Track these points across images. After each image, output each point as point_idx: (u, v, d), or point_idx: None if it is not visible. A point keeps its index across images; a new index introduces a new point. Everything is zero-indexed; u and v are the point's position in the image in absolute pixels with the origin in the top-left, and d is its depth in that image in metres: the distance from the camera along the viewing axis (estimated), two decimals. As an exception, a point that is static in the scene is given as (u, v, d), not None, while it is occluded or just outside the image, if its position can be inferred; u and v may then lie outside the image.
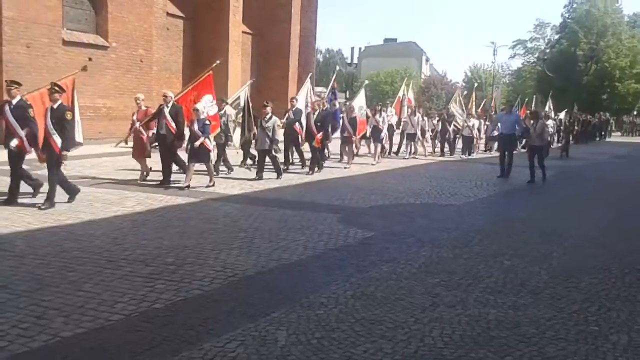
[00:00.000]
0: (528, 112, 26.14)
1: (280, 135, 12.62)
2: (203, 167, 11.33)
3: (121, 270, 5.71)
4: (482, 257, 6.76)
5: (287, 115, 14.46)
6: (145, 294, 5.02)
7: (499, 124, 15.48)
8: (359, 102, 17.03)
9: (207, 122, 10.84)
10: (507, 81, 69.89)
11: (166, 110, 10.89)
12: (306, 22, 33.10)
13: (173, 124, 10.83)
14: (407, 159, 18.77)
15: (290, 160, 14.78)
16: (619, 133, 45.28)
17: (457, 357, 4.02)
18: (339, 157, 17.04)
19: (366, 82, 20.86)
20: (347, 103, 16.70)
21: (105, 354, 3.87)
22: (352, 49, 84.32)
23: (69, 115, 8.70)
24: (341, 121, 15.73)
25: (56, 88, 8.73)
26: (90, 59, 19.26)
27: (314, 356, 3.93)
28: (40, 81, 17.32)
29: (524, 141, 17.61)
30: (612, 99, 50.16)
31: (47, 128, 8.61)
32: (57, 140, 8.53)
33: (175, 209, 8.98)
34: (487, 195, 11.62)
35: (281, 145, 13.72)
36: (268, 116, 12.25)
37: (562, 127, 27.51)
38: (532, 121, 14.73)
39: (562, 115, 30.11)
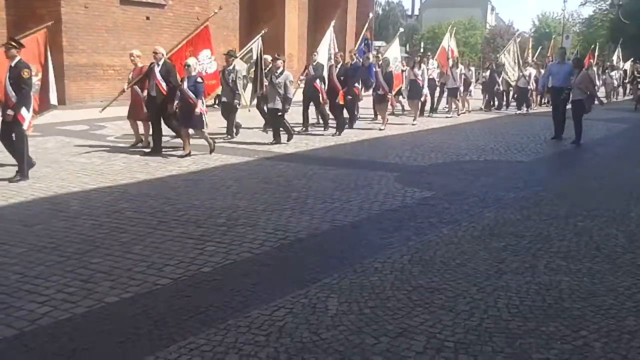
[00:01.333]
0: (592, 60, 24.39)
1: (293, 92, 11.29)
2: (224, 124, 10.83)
3: (172, 231, 5.58)
4: (552, 218, 6.26)
5: (306, 71, 13.33)
6: (195, 257, 4.87)
7: (550, 76, 13.01)
8: (394, 53, 15.25)
9: (200, 80, 9.39)
10: (578, 30, 66.12)
11: (157, 69, 9.57)
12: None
13: (164, 85, 9.52)
14: (450, 117, 16.89)
15: (309, 121, 13.40)
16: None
17: (526, 330, 3.65)
18: (372, 115, 15.60)
19: (401, 30, 17.84)
20: (380, 55, 14.92)
21: (149, 320, 3.71)
22: (413, 0, 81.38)
23: (25, 74, 7.46)
24: (375, 76, 13.80)
25: (12, 43, 7.62)
26: (147, 18, 19.26)
27: (367, 327, 3.65)
28: (100, 41, 17.60)
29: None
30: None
31: (6, 90, 7.54)
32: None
33: (229, 168, 8.83)
34: (558, 151, 10.92)
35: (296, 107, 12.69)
36: (279, 70, 10.93)
37: (626, 79, 25.92)
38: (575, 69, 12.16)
39: (627, 65, 28.04)
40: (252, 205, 6.59)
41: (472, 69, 18.65)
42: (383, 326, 3.67)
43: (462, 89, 17.29)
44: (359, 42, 15.47)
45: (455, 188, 7.77)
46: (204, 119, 9.51)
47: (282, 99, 10.79)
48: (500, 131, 13.83)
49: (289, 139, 11.19)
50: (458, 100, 17.38)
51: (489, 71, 19.79)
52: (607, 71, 24.27)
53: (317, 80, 12.68)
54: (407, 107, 17.03)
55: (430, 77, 16.94)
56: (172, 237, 5.41)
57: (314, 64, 12.94)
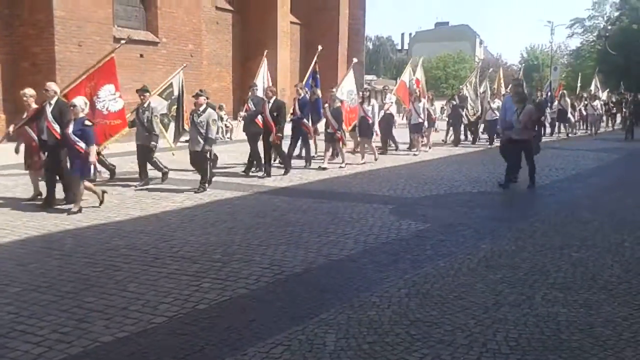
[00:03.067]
0: (564, 90, 24.14)
1: (214, 132, 9.73)
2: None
3: (167, 268, 5.55)
4: (547, 249, 6.28)
5: (245, 106, 12.16)
6: (190, 294, 4.83)
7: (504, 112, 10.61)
8: (348, 85, 13.93)
9: (88, 123, 7.99)
10: (566, 61, 67.23)
11: (48, 109, 8.24)
12: (354, 9, 32.63)
13: (57, 127, 8.14)
14: (417, 154, 15.26)
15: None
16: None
17: (525, 364, 3.63)
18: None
19: (355, 60, 16.01)
20: (333, 90, 13.08)
21: (145, 360, 3.67)
22: (402, 34, 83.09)
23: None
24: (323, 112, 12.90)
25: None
26: (141, 55, 19.44)
27: (366, 363, 3.63)
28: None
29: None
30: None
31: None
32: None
33: (224, 203, 8.82)
34: (549, 182, 10.99)
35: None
36: (202, 108, 9.51)
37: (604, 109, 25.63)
38: (515, 106, 10.01)
39: (604, 95, 28.25)
40: (247, 240, 6.57)
41: (436, 103, 17.33)
42: (382, 362, 3.64)
43: (426, 124, 15.89)
44: (307, 75, 14.24)
45: (450, 220, 7.78)
46: (90, 163, 7.97)
47: (204, 139, 9.41)
48: (492, 163, 13.90)
49: (199, 189, 9.51)
50: (422, 138, 16.02)
51: (451, 104, 18.82)
52: (588, 101, 23.93)
53: (259, 116, 11.39)
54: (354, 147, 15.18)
55: (388, 112, 15.71)
56: (167, 274, 5.38)
57: (253, 98, 11.93)
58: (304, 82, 13.93)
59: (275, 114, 11.18)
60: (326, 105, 12.82)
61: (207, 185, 9.64)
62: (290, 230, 7.02)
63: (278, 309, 4.55)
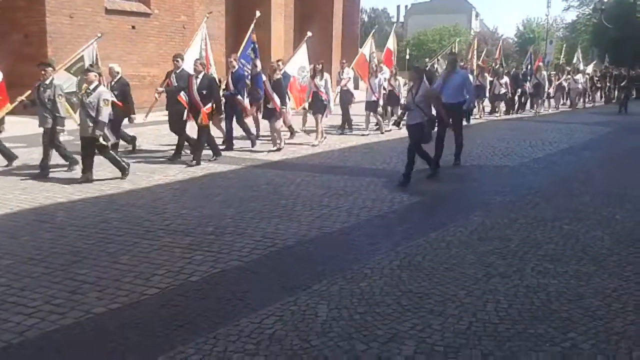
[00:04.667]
0: (541, 63, 22.64)
1: (106, 115, 8.14)
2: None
3: (160, 240, 5.56)
4: (539, 221, 6.31)
5: (167, 81, 10.48)
6: (183, 266, 4.85)
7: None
8: (299, 60, 12.75)
9: None
10: (562, 35, 66.86)
11: None
12: (350, -20, 32.21)
13: None
14: (366, 134, 13.79)
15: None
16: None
17: (515, 333, 3.66)
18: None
19: (309, 34, 13.81)
20: (279, 63, 11.92)
21: (137, 330, 3.69)
22: (398, 7, 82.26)
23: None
24: (264, 87, 11.22)
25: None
26: (133, 27, 19.17)
27: (357, 333, 3.65)
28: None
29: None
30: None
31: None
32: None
33: (217, 176, 8.80)
34: (543, 155, 11.00)
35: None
36: (92, 86, 8.15)
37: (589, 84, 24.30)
38: (411, 82, 8.92)
39: (589, 69, 26.90)
40: (240, 213, 6.57)
41: (400, 78, 15.06)
42: (373, 332, 3.67)
43: (381, 102, 13.99)
44: (243, 45, 12.35)
45: (442, 193, 7.81)
46: None
47: (94, 122, 8.07)
48: (484, 136, 13.91)
49: (123, 175, 8.48)
50: (381, 116, 14.36)
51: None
52: (571, 75, 22.65)
53: (182, 93, 9.89)
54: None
55: (345, 88, 14.47)
56: (160, 246, 5.39)
57: (178, 71, 10.14)
58: (239, 54, 12.10)
59: (204, 91, 9.62)
60: (266, 79, 11.26)
61: (90, 176, 8.24)
62: (284, 204, 7.03)
63: (270, 280, 4.57)
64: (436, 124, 8.76)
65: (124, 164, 8.53)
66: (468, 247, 5.39)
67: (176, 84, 9.99)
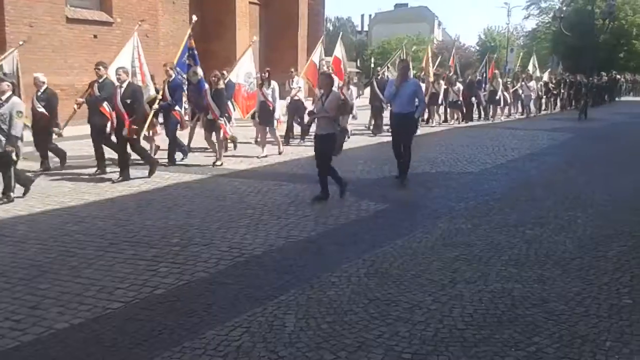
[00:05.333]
0: (496, 71, 22.19)
1: (19, 128, 7.54)
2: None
3: (123, 253, 5.45)
4: (502, 226, 6.40)
5: (89, 90, 9.76)
6: (147, 279, 4.76)
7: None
8: (246, 66, 12.09)
9: None
10: (522, 43, 68.35)
11: None
12: (314, -11, 32.37)
13: None
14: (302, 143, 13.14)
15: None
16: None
17: (481, 339, 3.71)
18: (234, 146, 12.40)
19: (255, 38, 13.98)
20: (224, 72, 11.43)
21: (100, 346, 3.61)
22: (362, 16, 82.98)
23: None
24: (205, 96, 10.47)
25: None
26: (95, 36, 18.89)
27: (325, 342, 3.64)
28: (46, 61, 17.15)
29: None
30: (629, 57, 48.77)
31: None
32: None
33: (182, 186, 8.69)
34: (505, 161, 11.19)
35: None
36: (5, 97, 7.44)
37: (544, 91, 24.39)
38: (321, 90, 8.20)
39: (545, 76, 27.40)
40: (206, 223, 6.50)
41: (352, 87, 14.82)
42: (341, 341, 3.66)
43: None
44: (179, 52, 11.36)
45: (408, 199, 7.87)
46: None
47: (6, 136, 7.37)
48: (447, 144, 14.08)
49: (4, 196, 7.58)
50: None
51: (368, 88, 16.70)
52: (524, 82, 22.39)
53: (105, 104, 9.22)
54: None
55: (296, 98, 13.78)
56: (124, 259, 5.29)
57: (101, 81, 9.43)
58: (175, 61, 11.12)
59: (129, 101, 8.84)
60: (207, 88, 10.55)
61: (11, 195, 7.59)
62: (250, 213, 6.98)
63: (237, 291, 4.52)
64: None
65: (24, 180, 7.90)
66: (434, 254, 5.44)
67: (99, 94, 9.34)
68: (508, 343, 3.65)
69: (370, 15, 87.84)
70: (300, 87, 14.18)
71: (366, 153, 12.33)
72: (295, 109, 13.78)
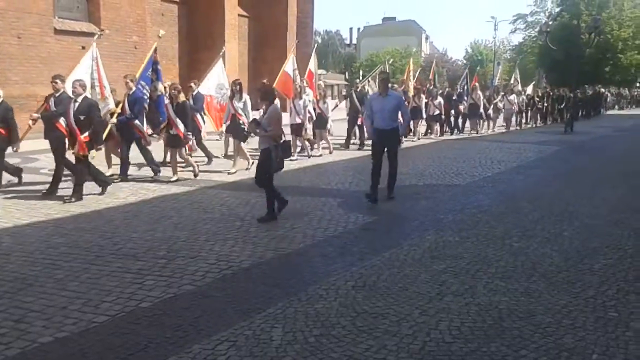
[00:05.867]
0: (476, 84, 21.74)
1: None
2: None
3: (109, 266, 5.41)
4: (489, 239, 6.43)
5: (44, 105, 9.33)
6: (134, 292, 4.73)
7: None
8: (216, 78, 11.80)
9: None
10: (509, 57, 69.05)
11: None
12: (303, 3, 32.59)
13: None
14: (295, 159, 12.51)
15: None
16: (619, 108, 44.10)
17: (468, 352, 3.71)
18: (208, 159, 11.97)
19: (224, 49, 13.75)
20: (192, 84, 11.22)
21: (85, 360, 3.57)
22: (351, 29, 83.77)
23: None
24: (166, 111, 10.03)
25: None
26: (83, 48, 18.82)
27: (312, 356, 3.63)
28: (34, 72, 17.09)
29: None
30: (614, 71, 49.42)
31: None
32: None
33: (169, 198, 8.66)
34: (492, 174, 11.26)
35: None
36: None
37: (528, 104, 24.50)
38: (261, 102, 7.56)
39: (529, 89, 27.88)
40: (193, 236, 6.47)
41: (328, 101, 14.76)
42: (328, 355, 3.65)
43: (308, 125, 13.31)
44: (143, 66, 10.82)
45: (396, 212, 7.89)
46: None
47: None
48: (435, 157, 14.15)
49: None
50: (308, 140, 13.55)
51: (347, 100, 16.61)
52: (505, 95, 22.60)
53: (61, 119, 8.68)
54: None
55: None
56: (109, 272, 5.24)
57: (58, 95, 8.90)
58: (138, 74, 10.58)
59: (82, 117, 8.31)
60: (167, 103, 10.10)
61: None
62: (238, 225, 6.96)
63: (224, 304, 4.50)
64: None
65: None
66: (421, 266, 5.44)
67: (55, 109, 8.81)
68: (495, 356, 3.66)
69: (358, 29, 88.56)
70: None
71: (355, 165, 12.36)
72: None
